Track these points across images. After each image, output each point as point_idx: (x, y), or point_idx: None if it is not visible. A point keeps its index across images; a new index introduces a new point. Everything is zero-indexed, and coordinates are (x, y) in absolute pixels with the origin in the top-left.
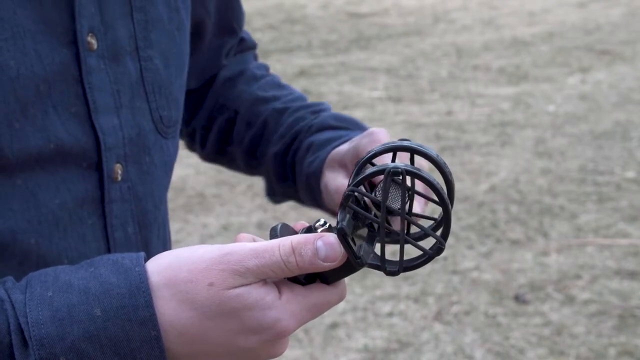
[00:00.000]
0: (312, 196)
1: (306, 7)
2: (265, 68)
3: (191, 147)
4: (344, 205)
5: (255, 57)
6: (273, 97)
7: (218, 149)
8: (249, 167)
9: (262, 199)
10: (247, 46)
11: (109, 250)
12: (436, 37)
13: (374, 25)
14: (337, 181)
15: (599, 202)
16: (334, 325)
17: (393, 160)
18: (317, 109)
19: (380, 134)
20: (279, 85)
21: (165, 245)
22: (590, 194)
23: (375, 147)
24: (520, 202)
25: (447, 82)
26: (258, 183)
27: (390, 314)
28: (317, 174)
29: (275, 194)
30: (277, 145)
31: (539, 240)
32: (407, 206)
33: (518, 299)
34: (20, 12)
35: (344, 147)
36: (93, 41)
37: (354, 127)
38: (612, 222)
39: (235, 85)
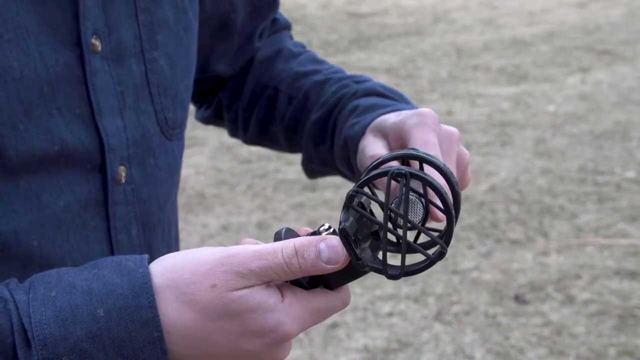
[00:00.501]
0: (347, 162)
1: (306, 7)
2: (302, 46)
3: (234, 133)
4: (347, 206)
5: (291, 37)
6: (313, 71)
7: (261, 129)
8: (291, 143)
9: (262, 199)
10: (281, 26)
11: (112, 252)
12: (436, 37)
13: (374, 25)
14: (375, 148)
15: (599, 202)
16: (334, 325)
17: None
18: (361, 79)
19: (429, 116)
20: (317, 60)
21: (170, 247)
22: (590, 194)
23: (383, 155)
24: (520, 202)
25: (447, 82)
26: (258, 183)
27: (390, 314)
28: (357, 138)
29: (312, 162)
30: (318, 112)
31: (539, 240)
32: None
33: (518, 299)
34: (24, 14)
35: (390, 118)
36: (97, 43)
37: (401, 99)
38: (612, 222)
39: (274, 64)
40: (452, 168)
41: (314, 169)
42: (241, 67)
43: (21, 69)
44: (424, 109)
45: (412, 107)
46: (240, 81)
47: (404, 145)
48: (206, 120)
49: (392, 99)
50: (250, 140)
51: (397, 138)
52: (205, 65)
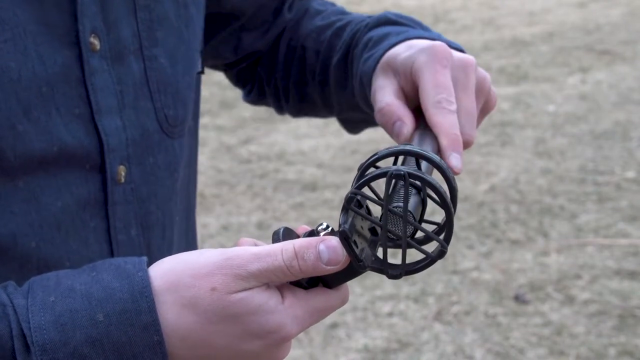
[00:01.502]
0: (366, 100)
1: None
2: (331, 4)
3: (279, 108)
4: (345, 208)
5: None
6: (336, 20)
7: (299, 94)
8: (327, 102)
9: (262, 199)
10: None
11: (111, 253)
12: None
13: None
14: (385, 96)
15: (599, 202)
16: (334, 325)
17: (395, 163)
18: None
19: (439, 51)
20: (341, 12)
21: (172, 246)
22: (590, 194)
23: (379, 151)
24: (520, 202)
25: None
26: (258, 183)
27: (390, 314)
28: (370, 74)
29: (343, 111)
30: (337, 55)
31: (539, 240)
32: (419, 210)
33: (518, 299)
34: (21, 14)
35: (400, 53)
36: (96, 42)
37: (415, 25)
38: (612, 222)
39: (300, 25)
40: (470, 101)
41: (348, 119)
42: (274, 40)
43: (19, 69)
44: (435, 43)
45: (428, 33)
46: (274, 51)
47: (414, 87)
48: (253, 101)
49: (405, 25)
50: (294, 111)
51: (408, 77)
52: (237, 46)
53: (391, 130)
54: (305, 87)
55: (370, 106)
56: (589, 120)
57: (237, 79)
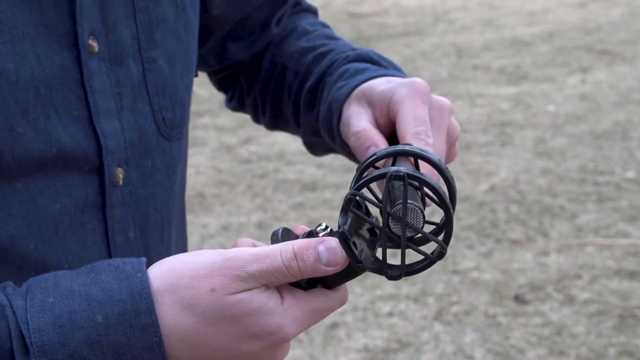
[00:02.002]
0: (330, 126)
1: None
2: (321, 24)
3: (256, 118)
4: (345, 209)
5: (317, 18)
6: (320, 44)
7: (274, 110)
8: (296, 121)
9: (262, 199)
10: (302, 9)
11: (109, 255)
12: (436, 37)
13: (374, 25)
14: (359, 122)
15: (599, 202)
16: (334, 325)
17: (393, 163)
18: (361, 49)
19: (420, 87)
20: (329, 37)
21: (170, 248)
22: (590, 194)
23: (378, 151)
24: (520, 202)
25: (447, 82)
26: (258, 183)
27: (390, 314)
28: (341, 101)
29: (307, 133)
30: (312, 80)
31: (539, 240)
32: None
33: (518, 299)
34: (19, 15)
35: (378, 85)
36: (94, 44)
37: (394, 69)
38: (612, 222)
39: (286, 42)
40: (441, 143)
41: (310, 141)
42: (258, 53)
43: (17, 71)
44: (415, 79)
45: (404, 76)
46: (257, 64)
47: (391, 118)
48: (234, 107)
49: (384, 67)
50: (268, 124)
51: (384, 109)
52: (221, 55)
53: (363, 154)
54: (281, 104)
55: (331, 133)
56: (589, 120)
57: (220, 85)
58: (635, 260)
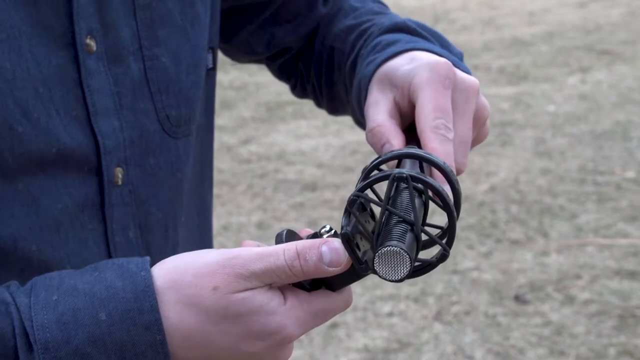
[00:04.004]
0: (359, 105)
1: None
2: (374, 0)
3: (318, 103)
4: (348, 210)
5: None
6: (366, 20)
7: (329, 94)
8: (350, 102)
9: (262, 199)
10: None
11: (109, 255)
12: None
13: None
14: (376, 118)
15: (599, 202)
16: (334, 325)
17: (398, 166)
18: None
19: (442, 70)
20: (374, 12)
21: (176, 247)
22: (590, 194)
23: (384, 153)
24: (520, 202)
25: None
26: (258, 183)
27: (390, 314)
28: (368, 78)
29: (356, 114)
30: (353, 54)
31: (539, 240)
32: (422, 214)
33: (518, 299)
34: (15, 15)
35: (402, 66)
36: (92, 43)
37: (433, 37)
38: (612, 222)
39: (333, 23)
40: (466, 129)
41: (360, 120)
42: (308, 35)
43: (13, 70)
44: (439, 60)
45: (439, 49)
46: (310, 48)
47: (411, 103)
48: (299, 95)
49: (421, 35)
50: (328, 108)
51: (404, 92)
52: (269, 41)
53: (380, 152)
54: (334, 87)
55: (362, 111)
56: (589, 120)
57: (281, 74)
58: (635, 260)
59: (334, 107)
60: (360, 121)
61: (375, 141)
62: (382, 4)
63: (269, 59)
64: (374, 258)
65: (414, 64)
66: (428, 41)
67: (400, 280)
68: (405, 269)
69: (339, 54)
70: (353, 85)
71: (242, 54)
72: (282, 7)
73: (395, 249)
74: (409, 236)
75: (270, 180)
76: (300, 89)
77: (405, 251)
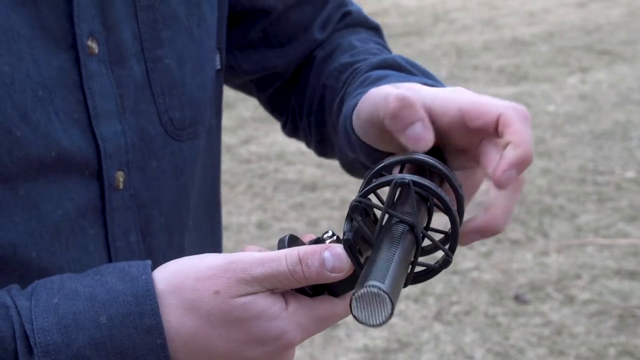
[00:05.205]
0: (346, 132)
1: None
2: (376, 41)
3: (308, 142)
4: (350, 216)
5: (379, 35)
6: (363, 59)
7: (318, 136)
8: (332, 147)
9: (262, 199)
10: (354, 21)
11: (110, 260)
12: (436, 37)
13: None
14: (402, 91)
15: (599, 202)
16: (334, 326)
17: (401, 171)
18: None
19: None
20: (373, 53)
21: (182, 252)
22: (590, 194)
23: (386, 158)
24: (520, 202)
25: (447, 82)
26: (258, 183)
27: None
28: (354, 103)
29: (340, 150)
30: (341, 93)
31: (539, 240)
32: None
33: (518, 299)
34: (15, 17)
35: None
36: (94, 45)
37: (422, 74)
38: (612, 222)
39: (331, 59)
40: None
41: (344, 160)
42: (299, 61)
43: (12, 73)
44: (457, 88)
45: (438, 84)
46: (304, 83)
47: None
48: (289, 133)
49: (413, 74)
50: (318, 150)
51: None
52: (258, 61)
53: (403, 129)
54: (324, 127)
55: (348, 139)
56: (589, 120)
57: (272, 107)
58: (635, 260)
59: (323, 149)
60: (350, 165)
61: (402, 114)
62: (384, 45)
63: (259, 87)
64: (350, 301)
65: (458, 93)
66: (417, 77)
67: (380, 326)
68: (386, 313)
69: (330, 92)
70: (339, 120)
71: (230, 72)
72: (277, 25)
73: (373, 290)
74: (393, 270)
75: (270, 180)
76: (290, 127)
77: (386, 292)
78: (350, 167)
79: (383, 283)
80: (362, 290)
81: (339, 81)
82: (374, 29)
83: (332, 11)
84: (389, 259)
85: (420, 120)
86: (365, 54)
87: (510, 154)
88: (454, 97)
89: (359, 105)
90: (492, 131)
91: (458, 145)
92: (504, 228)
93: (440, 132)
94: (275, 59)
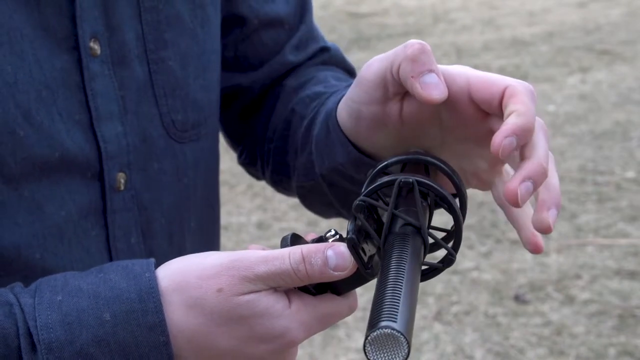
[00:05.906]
0: (327, 141)
1: None
2: (346, 79)
3: (262, 172)
4: (354, 215)
5: (349, 73)
6: (336, 91)
7: (276, 165)
8: (288, 178)
9: (262, 199)
10: (332, 60)
11: (111, 261)
12: (436, 37)
13: (374, 25)
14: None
15: (599, 202)
16: (334, 325)
17: (402, 170)
18: None
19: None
20: (348, 86)
21: (182, 255)
22: (590, 194)
23: (388, 157)
24: None
25: None
26: (258, 183)
27: None
28: (336, 105)
29: (299, 176)
30: (310, 116)
31: None
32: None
33: (518, 299)
34: (17, 17)
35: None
36: (96, 46)
37: None
38: (612, 222)
39: (303, 88)
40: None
41: (301, 189)
42: (267, 81)
43: (15, 73)
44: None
45: None
46: (270, 108)
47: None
48: (243, 162)
49: None
50: (270, 179)
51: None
52: (224, 78)
53: (420, 74)
54: (285, 156)
55: (327, 144)
56: (589, 120)
57: (227, 133)
58: (635, 260)
59: (278, 179)
60: (307, 193)
61: (421, 59)
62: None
63: (224, 104)
64: (364, 346)
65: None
66: None
67: None
68: (403, 353)
69: (298, 117)
70: (313, 129)
71: None
72: (249, 44)
73: (386, 331)
74: (404, 302)
75: None
76: (247, 155)
77: (400, 332)
78: (308, 195)
79: (395, 321)
80: (374, 333)
81: (309, 107)
82: (350, 72)
83: (303, 38)
84: (398, 286)
85: (437, 72)
86: (339, 86)
87: (513, 120)
88: (463, 71)
89: (349, 91)
90: (497, 105)
91: (460, 121)
92: (546, 165)
93: (445, 103)
94: (240, 77)
